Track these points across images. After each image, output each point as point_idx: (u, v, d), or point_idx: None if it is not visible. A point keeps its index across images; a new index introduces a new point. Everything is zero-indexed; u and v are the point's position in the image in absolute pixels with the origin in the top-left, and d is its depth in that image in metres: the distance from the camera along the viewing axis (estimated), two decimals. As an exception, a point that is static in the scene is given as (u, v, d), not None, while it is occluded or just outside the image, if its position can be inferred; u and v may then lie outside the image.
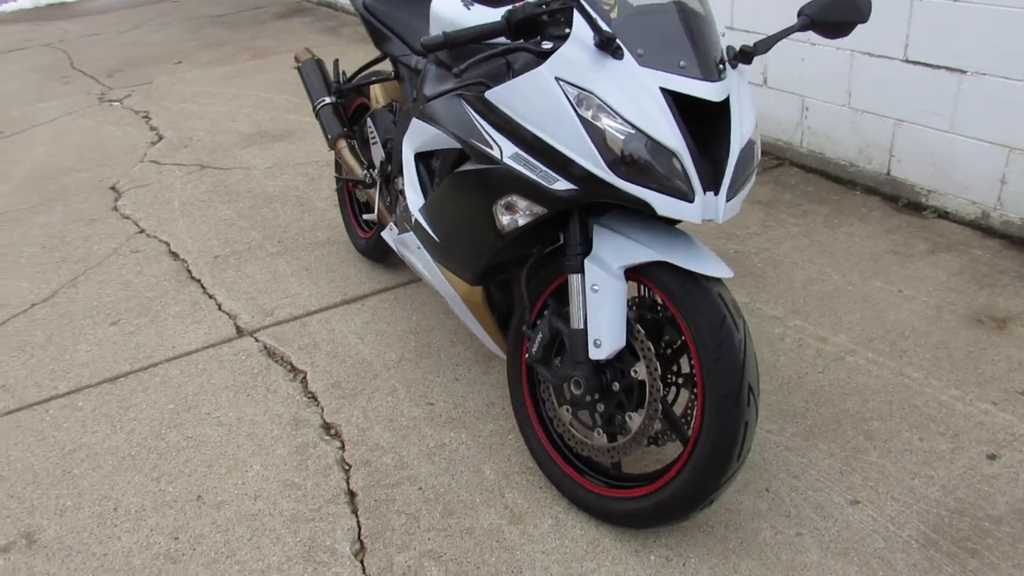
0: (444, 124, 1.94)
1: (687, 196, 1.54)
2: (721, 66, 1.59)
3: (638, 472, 1.95)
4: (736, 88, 1.63)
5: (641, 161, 1.53)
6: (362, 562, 1.86)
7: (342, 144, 2.77)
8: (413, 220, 2.16)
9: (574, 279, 1.73)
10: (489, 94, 1.70)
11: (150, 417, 2.38)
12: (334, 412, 2.34)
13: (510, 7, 1.62)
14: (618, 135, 1.53)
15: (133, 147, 4.54)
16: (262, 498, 2.06)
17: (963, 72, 2.92)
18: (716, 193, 1.57)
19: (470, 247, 1.94)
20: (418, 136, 2.12)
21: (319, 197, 3.68)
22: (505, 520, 1.94)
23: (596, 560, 1.82)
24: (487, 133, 1.75)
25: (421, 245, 2.18)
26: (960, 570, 1.73)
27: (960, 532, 1.81)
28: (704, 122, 1.61)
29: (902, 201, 3.26)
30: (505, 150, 1.70)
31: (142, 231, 3.52)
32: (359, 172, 2.70)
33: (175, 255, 3.30)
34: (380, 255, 3.00)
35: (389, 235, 2.49)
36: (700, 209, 1.55)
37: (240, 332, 2.75)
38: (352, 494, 2.05)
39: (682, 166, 1.53)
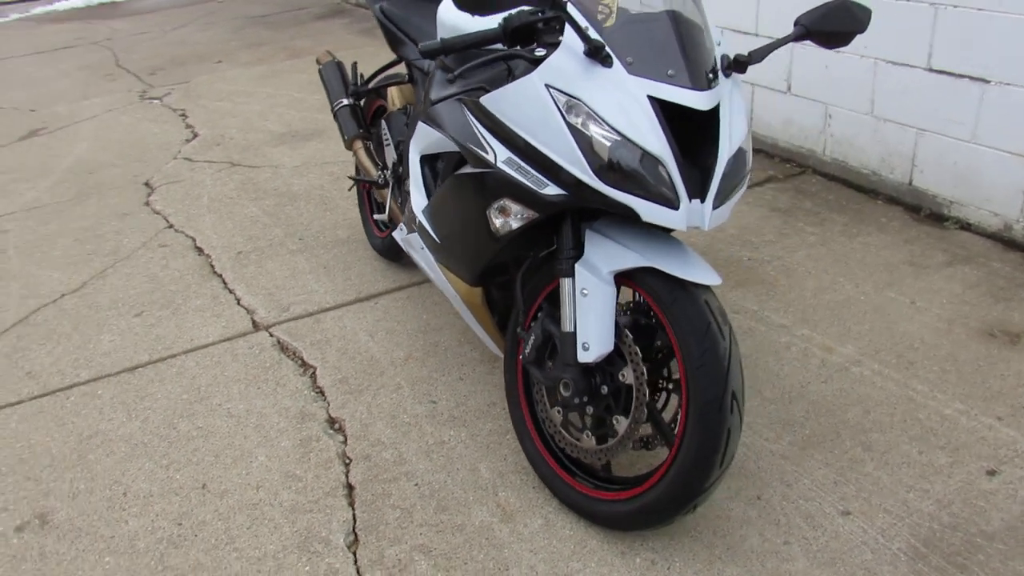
0: (446, 127, 1.98)
1: (672, 203, 1.56)
2: (711, 75, 1.60)
3: (628, 475, 1.97)
4: (728, 97, 1.65)
5: (627, 168, 1.55)
6: (354, 554, 1.91)
7: (358, 145, 2.83)
8: (417, 221, 2.21)
9: (565, 283, 1.76)
10: (484, 99, 1.74)
11: (164, 406, 2.46)
12: (339, 407, 2.39)
13: (507, 14, 1.65)
14: (605, 142, 1.56)
15: (168, 144, 4.67)
16: (264, 488, 2.12)
17: (986, 82, 2.88)
18: (702, 200, 1.58)
19: (468, 249, 1.98)
20: (423, 139, 2.16)
21: (342, 196, 3.76)
22: (496, 518, 1.97)
23: (582, 561, 1.84)
24: (483, 137, 1.78)
25: (424, 245, 2.22)
26: (947, 585, 1.72)
27: (951, 547, 1.80)
28: (696, 130, 1.62)
29: (924, 211, 3.22)
30: (499, 154, 1.74)
31: (171, 226, 3.63)
32: (374, 173, 2.76)
33: (200, 250, 3.40)
34: (395, 254, 3.06)
35: (399, 235, 2.54)
36: (685, 216, 1.57)
37: (256, 327, 2.83)
38: (350, 487, 2.10)
39: (667, 173, 1.55)
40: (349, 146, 2.87)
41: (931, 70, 3.05)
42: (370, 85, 2.88)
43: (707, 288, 1.69)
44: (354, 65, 3.02)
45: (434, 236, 2.12)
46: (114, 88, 5.95)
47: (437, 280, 2.26)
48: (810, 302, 2.70)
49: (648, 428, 1.85)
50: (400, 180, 2.59)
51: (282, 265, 3.21)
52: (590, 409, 1.81)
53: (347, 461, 2.19)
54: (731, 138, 1.62)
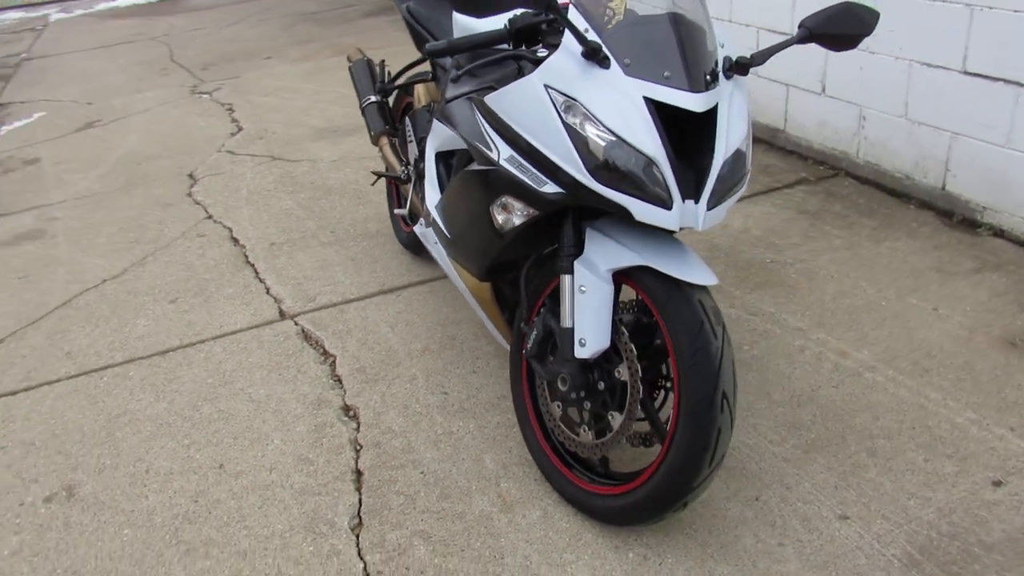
0: (457, 125, 2.03)
1: (665, 203, 1.58)
2: (710, 77, 1.62)
3: (624, 470, 1.99)
4: (727, 98, 1.66)
5: (621, 168, 1.58)
6: (357, 536, 1.97)
7: (384, 141, 2.90)
8: (430, 216, 2.27)
9: (565, 279, 1.79)
10: (488, 98, 1.78)
11: (190, 389, 2.56)
12: (355, 395, 2.46)
13: (511, 15, 1.69)
14: (600, 142, 1.59)
15: (214, 137, 4.82)
16: (277, 470, 2.20)
17: (1021, 86, 2.81)
18: (696, 201, 1.60)
19: (474, 244, 2.03)
20: (438, 136, 2.22)
21: (375, 191, 3.84)
22: (496, 508, 2.02)
23: (576, 553, 1.87)
24: (488, 135, 1.83)
25: (438, 240, 2.28)
26: (940, 593, 1.70)
27: (947, 556, 1.78)
28: (695, 131, 1.64)
29: (956, 217, 3.16)
30: (502, 152, 1.78)
31: (210, 217, 3.76)
32: (398, 169, 2.82)
33: (236, 240, 3.51)
34: (419, 248, 3.12)
35: (419, 229, 2.60)
36: (678, 216, 1.59)
37: (282, 315, 2.92)
38: (359, 473, 2.17)
39: (661, 174, 1.57)
40: (375, 142, 2.94)
41: (966, 73, 3.00)
42: (396, 83, 2.95)
43: (702, 288, 1.71)
44: (382, 63, 3.09)
45: (445, 231, 2.17)
46: (167, 83, 6.15)
47: (450, 274, 2.31)
48: (829, 306, 2.68)
49: (646, 425, 1.88)
50: (421, 176, 2.64)
51: (312, 257, 3.31)
52: (587, 404, 1.84)
53: (358, 447, 2.26)
54: (728, 140, 1.63)
